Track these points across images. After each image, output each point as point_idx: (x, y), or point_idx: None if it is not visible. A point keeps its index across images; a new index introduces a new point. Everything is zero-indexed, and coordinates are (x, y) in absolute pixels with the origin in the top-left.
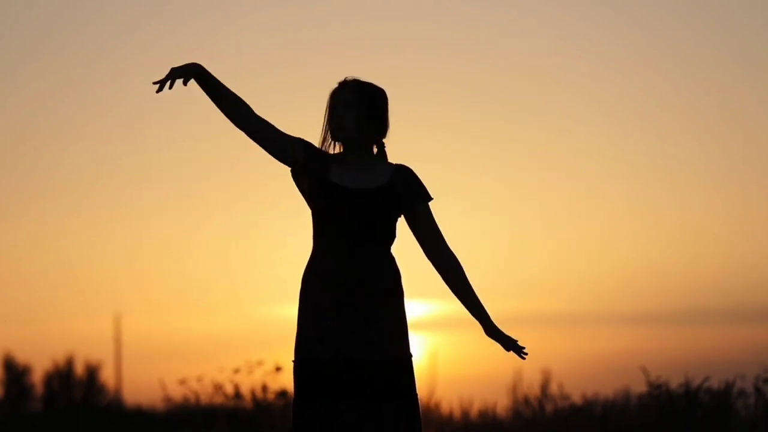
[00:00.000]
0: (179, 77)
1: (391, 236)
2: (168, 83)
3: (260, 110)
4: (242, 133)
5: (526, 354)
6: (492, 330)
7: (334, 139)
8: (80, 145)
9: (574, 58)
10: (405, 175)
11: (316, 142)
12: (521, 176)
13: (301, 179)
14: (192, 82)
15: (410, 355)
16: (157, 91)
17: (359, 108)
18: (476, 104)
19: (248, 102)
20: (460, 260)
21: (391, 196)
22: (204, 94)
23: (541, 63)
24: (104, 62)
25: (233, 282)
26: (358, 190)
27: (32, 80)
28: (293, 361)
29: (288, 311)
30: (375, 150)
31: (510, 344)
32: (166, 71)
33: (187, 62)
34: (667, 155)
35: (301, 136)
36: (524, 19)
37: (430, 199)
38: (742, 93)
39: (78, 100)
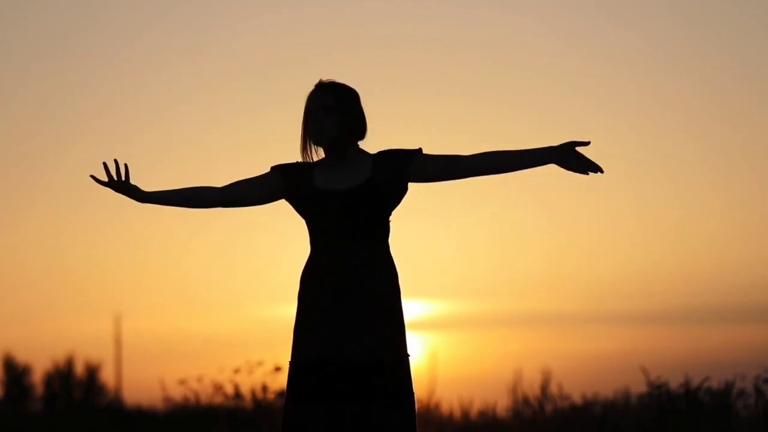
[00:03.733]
0: (113, 186)
1: (385, 233)
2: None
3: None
4: (242, 135)
5: (598, 170)
6: (561, 154)
7: (316, 143)
8: (81, 144)
9: (574, 58)
10: (384, 157)
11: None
12: (521, 176)
13: (292, 201)
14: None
15: (407, 355)
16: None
17: (340, 112)
18: (475, 103)
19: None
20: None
21: (377, 189)
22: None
23: (541, 63)
24: (105, 62)
25: (233, 282)
26: (343, 191)
27: (33, 80)
28: (290, 362)
29: (288, 311)
30: (357, 147)
31: (582, 163)
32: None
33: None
34: (667, 155)
35: (281, 157)
36: (524, 19)
37: (418, 149)
38: (742, 93)
39: (79, 100)
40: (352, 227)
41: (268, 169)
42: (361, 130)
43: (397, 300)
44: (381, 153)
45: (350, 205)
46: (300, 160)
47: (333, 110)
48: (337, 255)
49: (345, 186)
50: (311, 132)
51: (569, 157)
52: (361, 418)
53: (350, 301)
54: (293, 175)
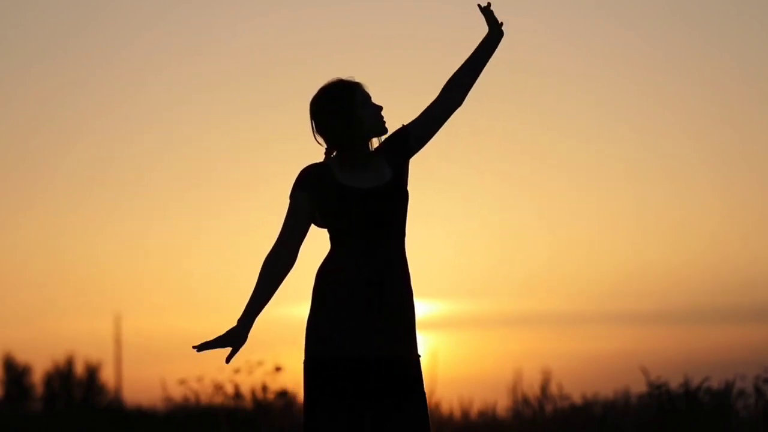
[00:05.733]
0: (227, 347)
1: (404, 232)
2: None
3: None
4: (242, 135)
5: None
6: (492, 28)
7: (379, 132)
8: (81, 145)
9: (574, 58)
10: (390, 149)
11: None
12: (521, 175)
13: (321, 207)
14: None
15: (419, 355)
16: (199, 349)
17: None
18: (474, 103)
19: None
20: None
21: (402, 185)
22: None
23: (540, 63)
24: (106, 63)
25: (233, 282)
26: (372, 190)
27: (34, 80)
28: (305, 361)
29: (289, 311)
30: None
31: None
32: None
33: (232, 331)
34: (667, 155)
35: (295, 193)
36: (524, 19)
37: (403, 125)
38: (742, 93)
39: (79, 101)
40: (384, 225)
41: (289, 194)
42: None
43: (413, 302)
44: (383, 147)
45: (382, 203)
46: (309, 162)
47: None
48: (368, 253)
49: (372, 184)
50: (377, 119)
51: (494, 25)
52: (386, 417)
53: (380, 300)
54: (314, 180)
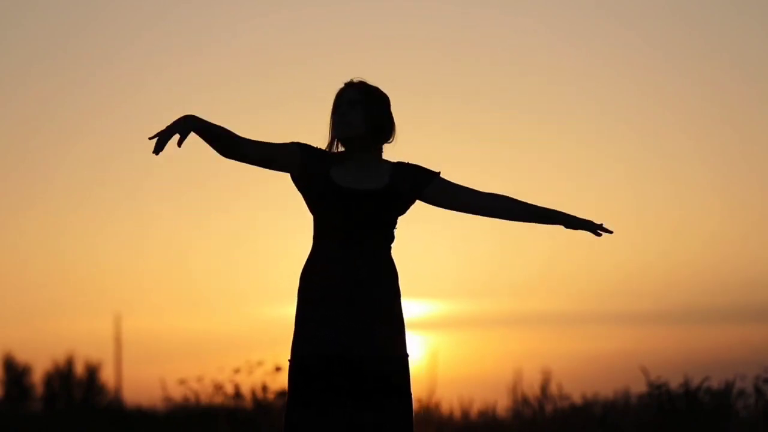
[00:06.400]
0: (176, 133)
1: (392, 237)
2: (165, 143)
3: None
4: (242, 135)
5: (608, 231)
6: (574, 223)
7: (338, 135)
8: (81, 144)
9: (574, 58)
10: (404, 170)
11: (317, 144)
12: (521, 175)
13: (302, 183)
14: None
15: (407, 355)
16: (156, 152)
17: (366, 107)
18: (475, 103)
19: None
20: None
21: (394, 196)
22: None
23: (540, 63)
24: (106, 62)
25: (233, 282)
26: (361, 192)
27: (35, 80)
28: (291, 358)
29: (288, 311)
30: (377, 152)
31: (593, 227)
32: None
33: (182, 116)
34: (667, 154)
35: (300, 140)
36: (524, 19)
37: (437, 172)
38: (742, 93)
39: (79, 100)
40: (364, 228)
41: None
42: (385, 132)
43: (399, 301)
44: (402, 163)
45: (365, 206)
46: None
47: (359, 105)
48: (347, 255)
49: (362, 187)
50: (337, 124)
51: (581, 225)
52: (365, 416)
53: (359, 300)
54: (314, 157)
